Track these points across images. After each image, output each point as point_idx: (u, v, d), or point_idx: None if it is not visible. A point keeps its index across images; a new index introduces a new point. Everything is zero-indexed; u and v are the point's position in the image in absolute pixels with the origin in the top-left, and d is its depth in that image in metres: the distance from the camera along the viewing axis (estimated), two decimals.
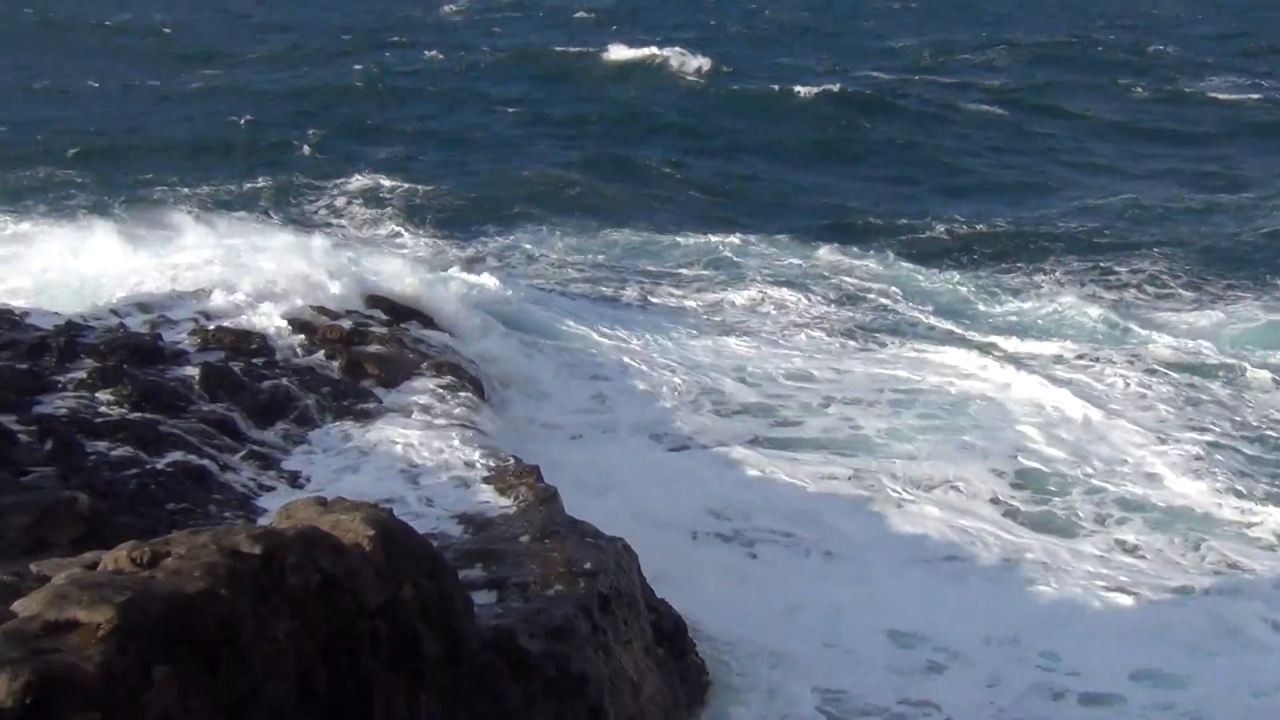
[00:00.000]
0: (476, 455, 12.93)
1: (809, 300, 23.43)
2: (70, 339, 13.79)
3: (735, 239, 27.49)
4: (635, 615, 10.15)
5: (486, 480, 12.26)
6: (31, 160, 33.23)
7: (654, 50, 49.43)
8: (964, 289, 24.48)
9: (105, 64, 50.22)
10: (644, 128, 39.62)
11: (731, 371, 19.25)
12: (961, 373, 19.46)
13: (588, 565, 9.85)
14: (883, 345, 21.02)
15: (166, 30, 60.00)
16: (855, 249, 26.84)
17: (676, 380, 18.62)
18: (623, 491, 14.53)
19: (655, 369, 19.06)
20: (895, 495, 15.25)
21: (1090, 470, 16.05)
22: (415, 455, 12.95)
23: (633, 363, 19.22)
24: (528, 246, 26.98)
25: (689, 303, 23.27)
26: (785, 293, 23.68)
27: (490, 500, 11.77)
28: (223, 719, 5.00)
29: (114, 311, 16.30)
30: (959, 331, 21.98)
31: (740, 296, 23.53)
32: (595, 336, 20.22)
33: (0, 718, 4.23)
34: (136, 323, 15.63)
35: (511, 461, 12.81)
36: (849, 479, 15.70)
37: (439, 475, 12.41)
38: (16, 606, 4.76)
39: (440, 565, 7.45)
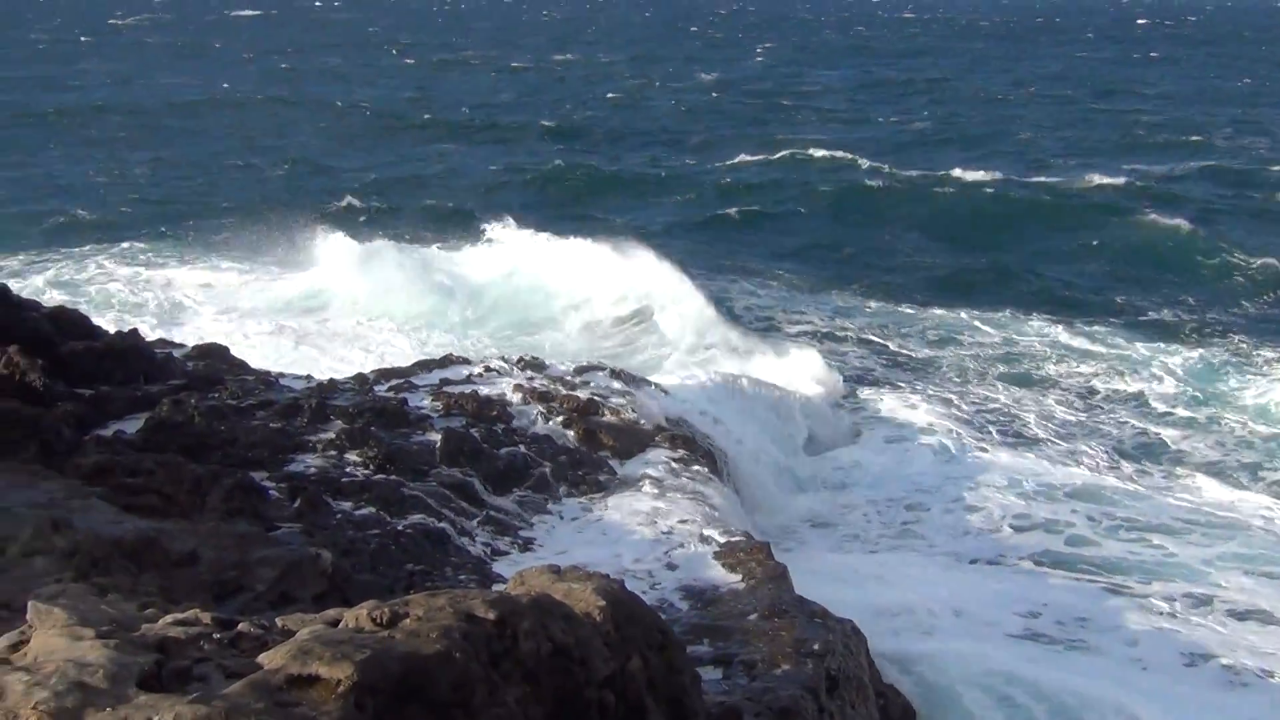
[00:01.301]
0: (707, 530, 12.87)
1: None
2: (321, 401, 14.36)
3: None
4: (863, 699, 9.87)
5: (716, 555, 12.16)
6: None
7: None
8: None
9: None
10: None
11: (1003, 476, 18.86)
12: None
13: (816, 646, 9.63)
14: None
15: None
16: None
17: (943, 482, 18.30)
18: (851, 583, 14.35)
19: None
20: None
21: None
22: (646, 527, 12.97)
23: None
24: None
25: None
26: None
27: (719, 576, 11.66)
28: None
29: (363, 376, 16.94)
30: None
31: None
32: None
33: None
34: (384, 388, 16.19)
35: (741, 537, 12.69)
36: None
37: (669, 548, 12.37)
38: (263, 659, 4.89)
39: (669, 639, 7.37)
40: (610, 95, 74.99)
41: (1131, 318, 29.40)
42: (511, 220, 32.85)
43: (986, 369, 24.96)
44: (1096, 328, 28.05)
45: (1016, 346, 26.56)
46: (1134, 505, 17.85)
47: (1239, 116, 66.22)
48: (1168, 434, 21.54)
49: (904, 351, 26.07)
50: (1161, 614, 14.63)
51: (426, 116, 63.68)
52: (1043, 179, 46.65)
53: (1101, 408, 22.89)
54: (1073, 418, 22.22)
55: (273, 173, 47.80)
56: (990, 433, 21.17)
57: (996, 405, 22.76)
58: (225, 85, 75.74)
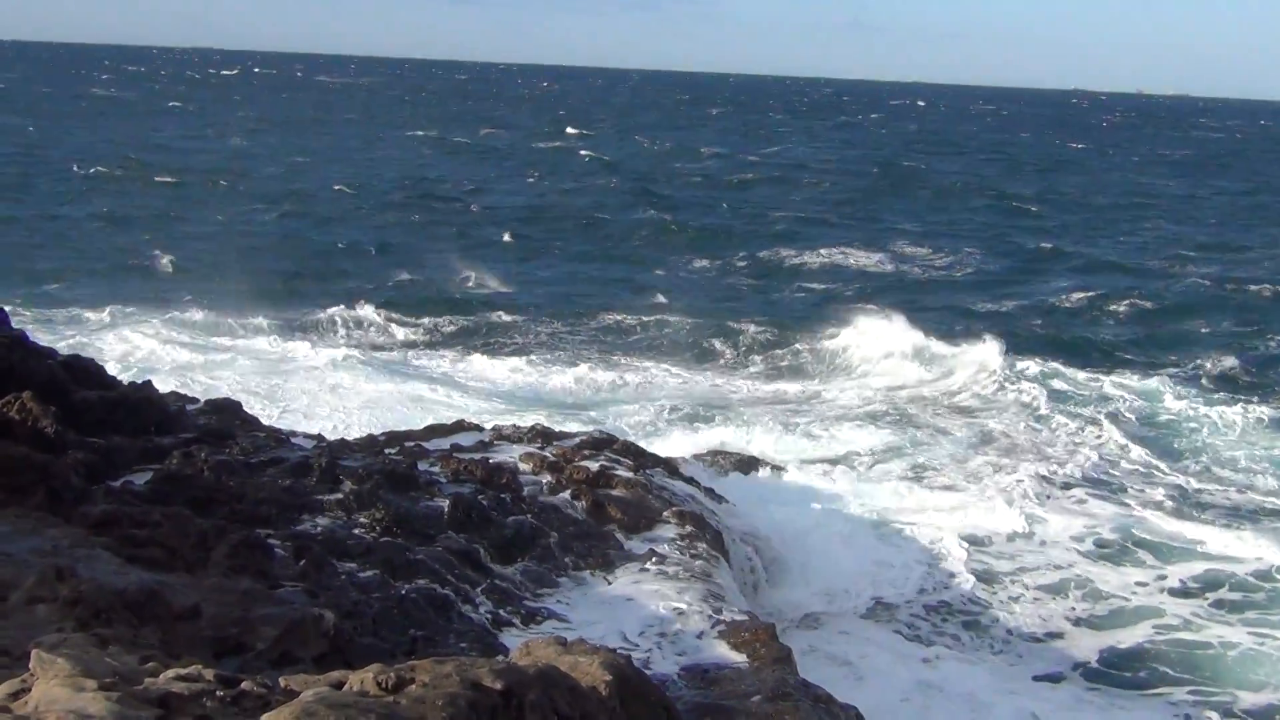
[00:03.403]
0: (712, 609, 12.75)
1: None
2: (332, 461, 14.31)
3: None
4: None
5: (720, 635, 12.04)
6: None
7: None
8: None
9: None
10: None
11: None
12: None
13: None
14: None
15: None
16: None
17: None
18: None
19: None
20: None
21: None
22: (651, 603, 12.85)
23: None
24: None
25: None
26: None
27: (723, 655, 11.54)
28: None
29: (373, 438, 16.91)
30: None
31: None
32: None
33: None
34: (394, 451, 16.15)
35: (746, 617, 12.57)
36: None
37: (673, 625, 12.24)
38: (265, 719, 4.83)
39: (674, 716, 7.29)
40: None
41: None
42: None
43: None
44: None
45: None
46: None
47: None
48: None
49: None
50: None
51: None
52: None
53: None
54: None
55: None
56: None
57: None
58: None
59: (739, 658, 11.44)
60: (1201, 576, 18.70)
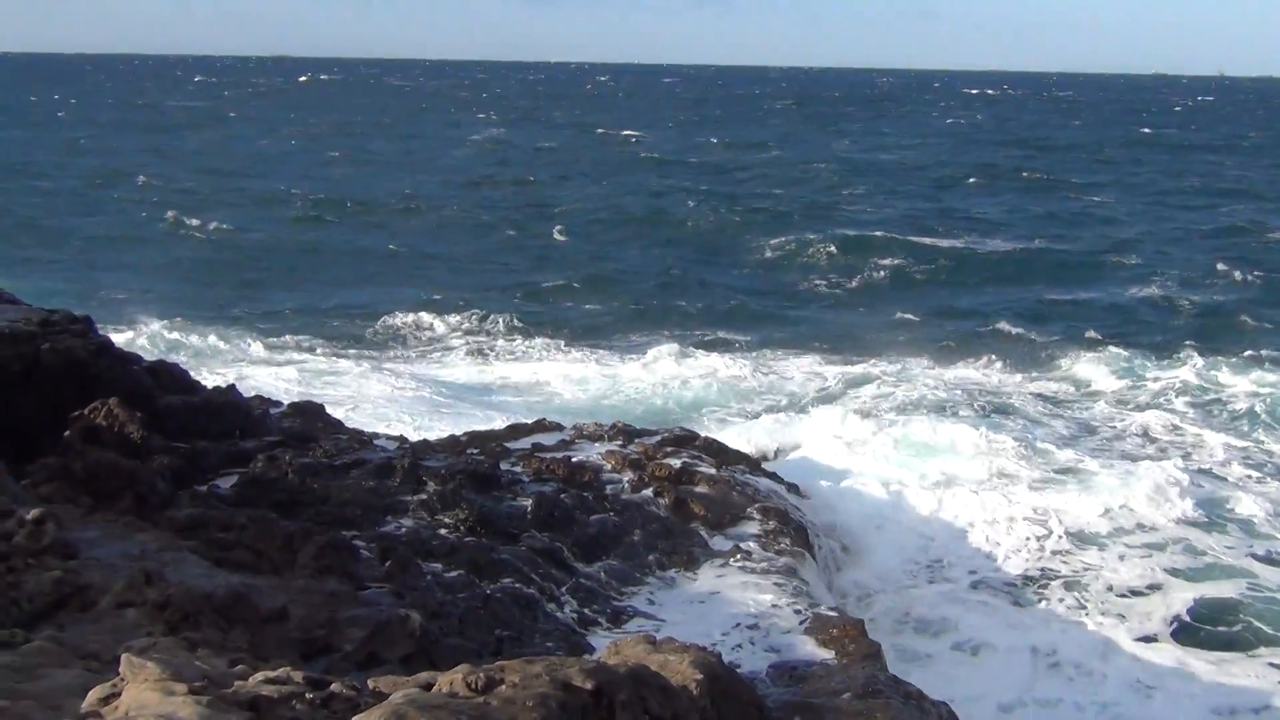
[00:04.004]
0: (798, 605, 12.58)
1: None
2: (414, 462, 14.32)
3: None
4: None
5: (808, 631, 11.87)
6: None
7: None
8: None
9: None
10: None
11: None
12: None
13: None
14: None
15: None
16: None
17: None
18: None
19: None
20: None
21: None
22: (737, 600, 12.71)
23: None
24: None
25: None
26: None
27: (811, 652, 11.37)
28: None
29: (455, 439, 16.91)
30: None
31: None
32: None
33: None
34: (476, 451, 16.14)
35: (835, 614, 12.39)
36: None
37: (760, 622, 12.10)
38: None
39: (765, 716, 7.16)
40: None
41: None
42: None
43: None
44: None
45: None
46: None
47: None
48: None
49: None
50: None
51: None
52: None
53: None
54: None
55: None
56: None
57: None
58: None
59: (827, 654, 11.27)
60: None
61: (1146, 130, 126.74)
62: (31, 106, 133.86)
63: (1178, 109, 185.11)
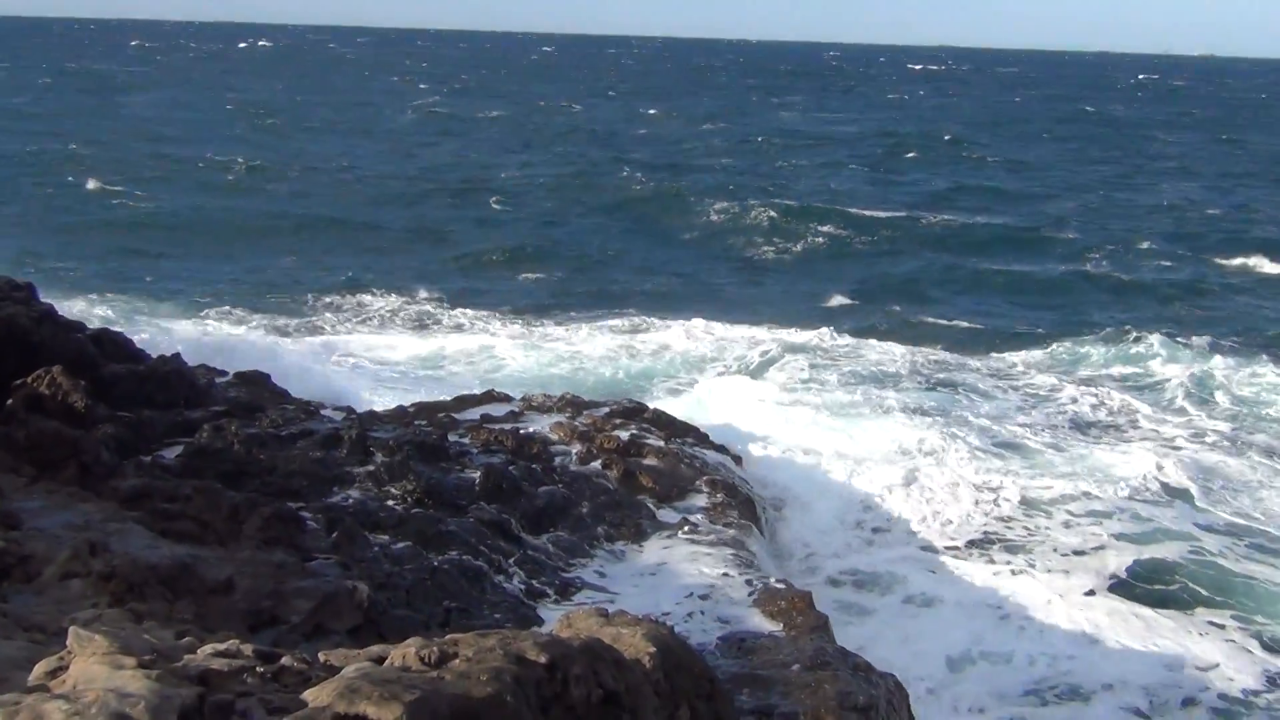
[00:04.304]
0: (748, 576, 12.64)
1: None
2: (362, 433, 14.23)
3: None
4: None
5: (756, 603, 11.93)
6: None
7: None
8: None
9: None
10: None
11: None
12: None
13: (861, 700, 9.38)
14: None
15: None
16: None
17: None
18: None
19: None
20: None
21: None
22: (686, 572, 12.75)
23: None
24: None
25: None
26: None
27: (760, 624, 11.43)
28: None
29: (403, 410, 16.81)
30: None
31: None
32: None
33: None
34: (424, 422, 16.06)
35: (783, 586, 12.45)
36: None
37: (708, 595, 12.14)
38: (307, 695, 4.71)
39: (717, 688, 7.17)
40: None
41: None
42: None
43: None
44: None
45: None
46: None
47: None
48: None
49: None
50: None
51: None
52: None
53: None
54: None
55: None
56: None
57: None
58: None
59: (776, 626, 11.32)
60: None
61: (1089, 108, 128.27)
62: None
63: (1120, 86, 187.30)
